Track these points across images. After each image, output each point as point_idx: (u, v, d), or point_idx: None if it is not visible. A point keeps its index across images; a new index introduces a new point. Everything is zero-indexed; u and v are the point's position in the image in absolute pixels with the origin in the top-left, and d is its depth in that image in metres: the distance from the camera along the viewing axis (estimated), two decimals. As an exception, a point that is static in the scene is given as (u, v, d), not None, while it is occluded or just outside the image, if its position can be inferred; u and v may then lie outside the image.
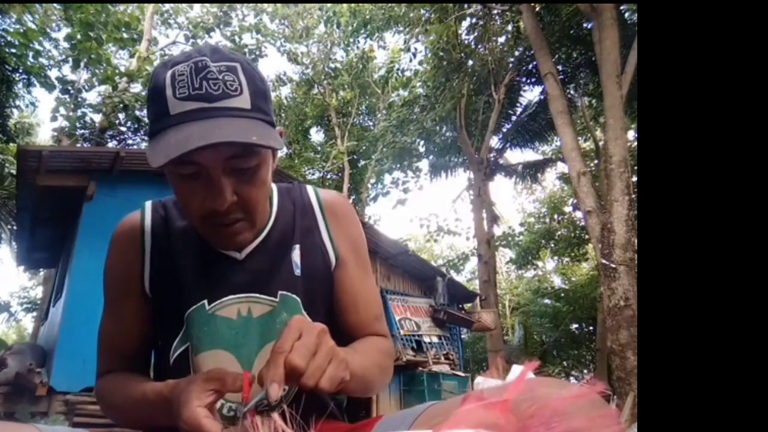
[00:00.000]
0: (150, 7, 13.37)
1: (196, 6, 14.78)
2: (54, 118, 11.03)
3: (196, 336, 0.76)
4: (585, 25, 9.20)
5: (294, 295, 0.80)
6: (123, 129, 11.89)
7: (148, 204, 0.85)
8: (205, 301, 0.77)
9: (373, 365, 0.78)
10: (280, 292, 0.79)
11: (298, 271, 0.81)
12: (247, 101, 0.67)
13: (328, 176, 16.17)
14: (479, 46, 11.84)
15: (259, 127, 0.67)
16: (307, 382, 0.55)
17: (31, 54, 9.15)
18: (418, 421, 0.60)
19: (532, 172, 14.17)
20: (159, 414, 0.67)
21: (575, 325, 16.53)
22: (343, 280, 0.86)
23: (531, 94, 13.15)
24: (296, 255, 0.82)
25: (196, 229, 0.76)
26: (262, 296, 0.79)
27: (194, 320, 0.77)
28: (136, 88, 11.92)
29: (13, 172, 8.12)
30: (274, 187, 0.87)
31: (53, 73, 10.59)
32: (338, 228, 0.87)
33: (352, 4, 12.96)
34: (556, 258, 18.49)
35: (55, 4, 11.43)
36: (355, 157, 15.81)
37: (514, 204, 43.32)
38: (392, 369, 0.87)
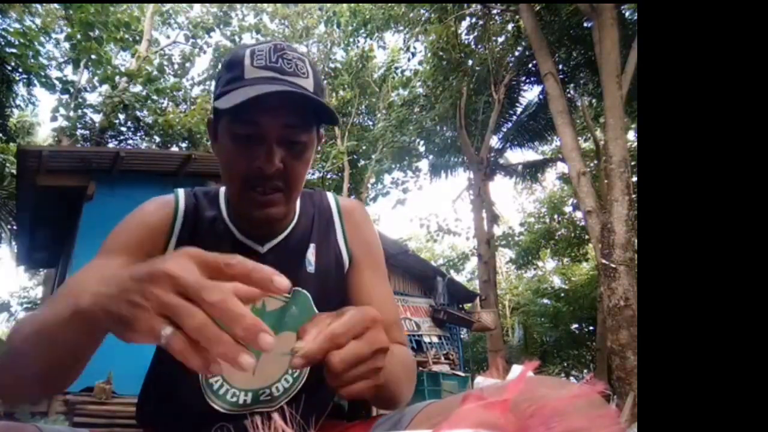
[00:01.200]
0: (150, 7, 13.37)
1: (196, 6, 14.80)
2: (54, 118, 11.04)
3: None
4: (585, 24, 9.20)
5: (305, 291, 0.82)
6: (123, 129, 11.89)
7: (181, 191, 0.87)
8: None
9: (401, 373, 0.75)
10: (293, 288, 0.81)
11: (311, 268, 0.84)
12: (311, 85, 0.74)
13: (328, 176, 16.18)
14: (479, 46, 11.85)
15: (323, 104, 0.73)
16: (336, 364, 0.50)
17: (31, 54, 9.14)
18: (415, 420, 0.60)
19: (532, 172, 14.17)
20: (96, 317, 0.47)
21: (575, 325, 16.54)
22: (356, 281, 0.87)
23: (531, 94, 13.19)
24: (311, 253, 0.85)
25: (233, 195, 0.79)
26: None
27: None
28: (136, 88, 11.93)
29: (13, 172, 8.12)
30: None
31: (54, 73, 10.60)
32: (354, 231, 0.90)
33: (352, 4, 12.96)
34: (556, 258, 18.51)
35: (55, 4, 11.44)
36: (354, 157, 15.81)
37: (514, 204, 43.37)
38: (414, 379, 0.82)
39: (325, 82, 13.88)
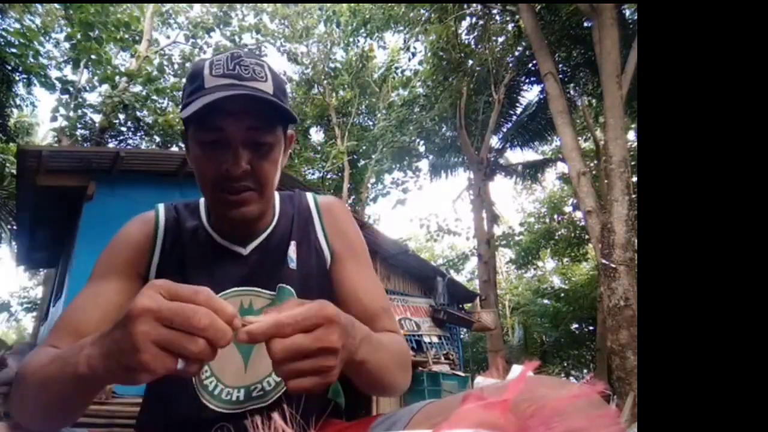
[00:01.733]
0: (150, 7, 13.37)
1: (196, 6, 14.79)
2: (54, 118, 11.04)
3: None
4: (585, 24, 9.20)
5: (289, 287, 0.84)
6: (123, 129, 11.89)
7: (161, 205, 0.92)
8: None
9: (391, 362, 0.74)
10: (278, 285, 0.84)
11: (293, 265, 0.86)
12: (270, 88, 0.77)
13: (328, 176, 16.18)
14: (479, 46, 11.84)
15: (282, 106, 0.76)
16: (281, 372, 0.51)
17: (31, 54, 9.14)
18: (414, 420, 0.60)
19: (532, 172, 14.17)
20: (97, 363, 0.52)
21: (575, 325, 16.53)
22: (340, 275, 0.89)
23: (531, 94, 13.14)
24: (292, 250, 0.88)
25: (207, 199, 0.83)
26: (263, 290, 0.84)
27: None
28: (136, 88, 11.93)
29: (13, 172, 8.12)
30: (276, 194, 0.93)
31: (54, 73, 10.60)
32: (333, 227, 0.92)
33: (352, 4, 12.96)
34: (556, 258, 18.50)
35: (55, 4, 11.43)
36: (354, 157, 15.81)
37: (514, 204, 43.33)
38: (410, 367, 0.82)
39: (325, 81, 13.79)
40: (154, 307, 0.46)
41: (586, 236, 11.77)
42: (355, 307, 0.85)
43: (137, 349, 0.46)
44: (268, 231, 0.88)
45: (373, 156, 13.74)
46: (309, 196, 0.96)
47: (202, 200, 0.91)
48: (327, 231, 0.92)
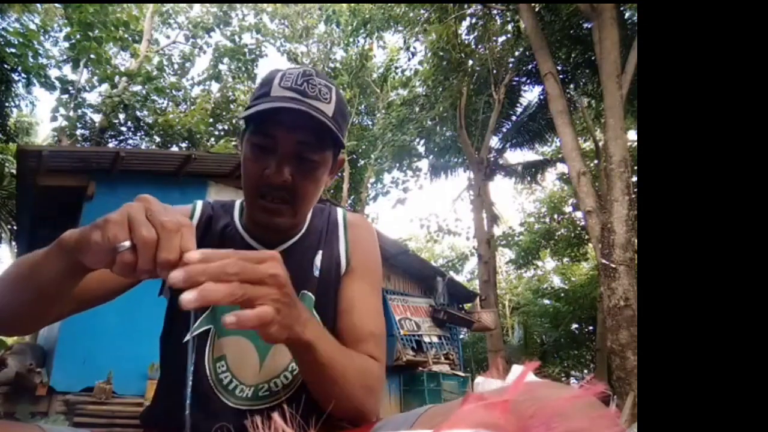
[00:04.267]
0: (150, 7, 13.37)
1: (196, 6, 14.79)
2: (54, 118, 11.03)
3: (222, 320, 0.81)
4: (585, 25, 9.20)
5: (310, 294, 0.87)
6: (123, 129, 11.89)
7: (200, 202, 0.96)
8: None
9: (345, 364, 0.72)
10: (301, 291, 0.86)
11: (317, 272, 0.89)
12: (330, 110, 0.80)
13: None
14: (479, 46, 11.84)
15: (333, 129, 0.78)
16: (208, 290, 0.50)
17: (30, 54, 9.14)
18: (418, 423, 0.60)
19: (532, 172, 14.17)
20: (63, 257, 0.62)
21: (575, 325, 16.54)
22: (346, 286, 0.91)
23: (531, 94, 13.14)
24: (318, 259, 0.91)
25: (246, 199, 0.86)
26: None
27: (223, 306, 0.82)
28: (136, 87, 11.92)
29: (13, 172, 8.12)
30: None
31: (53, 73, 10.59)
32: (355, 242, 0.95)
33: (352, 4, 12.95)
34: (556, 258, 18.50)
35: (55, 4, 11.43)
36: (354, 156, 15.81)
37: (514, 204, 43.32)
38: (374, 391, 0.79)
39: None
40: (150, 200, 0.56)
41: (586, 236, 11.78)
42: (346, 321, 0.86)
43: (112, 215, 0.54)
44: (296, 239, 0.91)
45: (373, 155, 13.74)
46: (339, 211, 1.00)
47: (238, 202, 0.95)
48: (349, 245, 0.94)
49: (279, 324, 0.56)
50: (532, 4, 8.43)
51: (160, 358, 0.91)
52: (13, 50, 8.97)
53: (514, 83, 12.15)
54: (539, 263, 18.95)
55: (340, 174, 15.70)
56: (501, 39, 11.87)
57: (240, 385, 0.81)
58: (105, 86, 11.47)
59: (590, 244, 9.94)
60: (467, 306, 11.06)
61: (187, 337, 0.82)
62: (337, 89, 0.84)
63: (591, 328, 14.98)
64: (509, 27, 11.39)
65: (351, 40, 13.97)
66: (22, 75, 9.49)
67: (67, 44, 10.50)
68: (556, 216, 16.20)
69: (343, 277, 0.92)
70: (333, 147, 0.83)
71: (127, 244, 0.52)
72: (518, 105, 13.01)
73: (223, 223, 0.91)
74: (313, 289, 0.87)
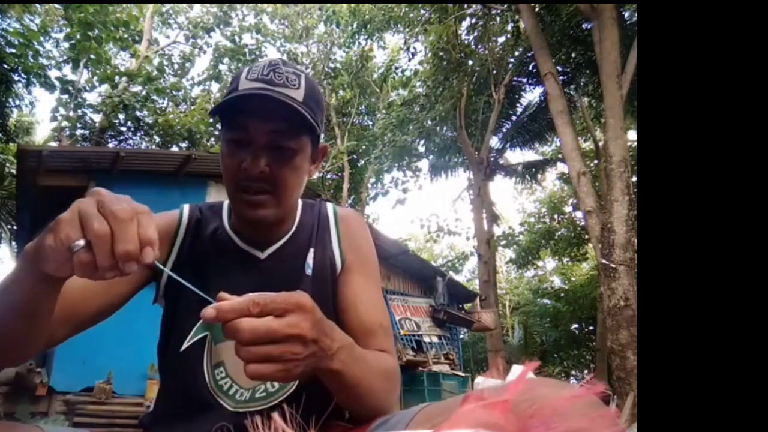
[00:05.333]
0: (150, 7, 13.36)
1: (196, 6, 14.78)
2: (54, 118, 11.03)
3: (217, 327, 0.82)
4: (585, 25, 9.19)
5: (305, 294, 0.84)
6: (123, 129, 11.88)
7: (186, 205, 0.94)
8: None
9: (371, 378, 0.71)
10: (295, 291, 0.83)
11: (309, 271, 0.88)
12: (301, 96, 0.79)
13: (328, 176, 16.17)
14: (479, 46, 11.83)
15: (305, 114, 0.77)
16: (241, 354, 0.51)
17: (30, 54, 9.14)
18: (414, 422, 0.60)
19: (532, 172, 14.16)
20: (30, 267, 0.56)
21: (575, 325, 16.53)
22: (344, 284, 0.89)
23: (531, 95, 13.13)
24: (310, 257, 0.89)
25: (228, 196, 0.84)
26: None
27: None
28: (136, 87, 11.92)
29: (13, 172, 8.12)
30: (299, 201, 0.95)
31: (53, 73, 10.59)
32: (348, 238, 0.94)
33: (352, 4, 12.95)
34: (556, 258, 18.49)
35: (55, 4, 11.43)
36: (354, 156, 15.81)
37: (514, 204, 43.28)
38: (396, 388, 0.79)
39: (325, 81, 13.79)
40: (102, 192, 0.52)
41: (586, 236, 11.77)
42: (352, 318, 0.85)
43: (63, 214, 0.50)
44: (286, 238, 0.90)
45: (373, 155, 13.73)
46: (329, 206, 0.98)
47: (226, 203, 0.94)
48: (342, 241, 0.93)
49: (302, 370, 0.55)
50: (532, 4, 8.42)
51: (158, 368, 0.90)
52: (13, 50, 8.97)
53: (514, 83, 12.15)
54: (539, 263, 18.94)
55: (338, 173, 15.72)
56: (501, 39, 11.86)
57: (239, 389, 0.81)
58: (105, 86, 11.47)
59: (590, 244, 9.93)
60: (467, 306, 11.07)
61: (184, 346, 0.82)
62: (308, 76, 0.83)
63: (591, 328, 14.98)
64: (509, 27, 11.39)
65: (351, 40, 13.97)
66: (22, 75, 9.49)
67: (67, 44, 10.50)
68: (556, 216, 16.19)
69: (341, 275, 0.90)
70: (309, 134, 0.82)
71: (81, 242, 0.48)
72: (518, 105, 13.01)
73: (212, 227, 0.90)
74: (306, 288, 0.85)
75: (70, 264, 0.49)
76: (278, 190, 0.80)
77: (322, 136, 0.89)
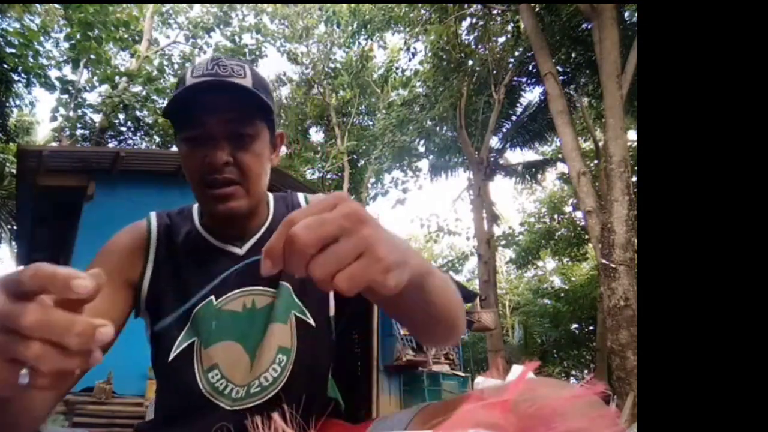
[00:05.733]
0: (150, 7, 13.37)
1: (196, 6, 14.79)
2: (54, 118, 11.04)
3: (205, 330, 0.81)
4: (585, 25, 9.20)
5: (287, 284, 0.85)
6: (123, 129, 11.89)
7: (153, 213, 0.91)
8: (212, 297, 0.82)
9: (449, 291, 0.61)
10: (279, 282, 0.84)
11: None
12: (249, 83, 0.79)
13: (328, 176, 16.17)
14: (479, 46, 11.84)
15: (257, 95, 0.77)
16: (314, 270, 0.40)
17: (30, 54, 9.14)
18: (413, 422, 0.60)
19: (532, 172, 14.18)
20: None
21: (575, 325, 16.54)
22: None
23: (531, 95, 13.17)
24: None
25: (196, 197, 0.83)
26: (264, 288, 0.85)
27: (203, 316, 0.82)
28: (136, 88, 11.92)
29: (13, 171, 8.12)
30: (270, 195, 0.94)
31: (53, 73, 10.60)
32: None
33: (352, 5, 12.96)
34: (556, 258, 18.50)
35: (55, 4, 11.43)
36: (354, 156, 15.81)
37: (514, 204, 43.31)
38: (464, 316, 0.68)
39: (325, 82, 13.72)
40: None
41: (586, 236, 11.78)
42: None
43: None
44: (263, 230, 0.89)
45: (373, 155, 13.74)
46: (300, 195, 0.98)
47: (195, 205, 0.92)
48: None
49: (395, 266, 0.42)
50: (532, 4, 8.43)
51: (155, 377, 0.90)
52: (13, 50, 8.98)
53: (514, 83, 12.17)
54: (539, 263, 18.97)
55: (338, 173, 15.72)
56: (501, 39, 11.88)
57: (235, 387, 0.81)
58: (105, 86, 11.47)
59: (590, 244, 9.94)
60: (467, 306, 11.06)
61: (171, 356, 0.81)
62: (252, 66, 0.83)
63: (591, 328, 14.99)
64: (509, 27, 11.40)
65: (351, 40, 13.98)
66: (22, 75, 9.50)
67: (67, 44, 10.51)
68: (556, 216, 16.20)
69: None
70: (264, 119, 0.82)
71: (24, 374, 0.37)
72: (518, 105, 13.02)
73: (184, 230, 0.88)
74: (289, 279, 0.85)
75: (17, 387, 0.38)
76: (245, 179, 0.79)
77: (280, 122, 0.86)
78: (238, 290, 0.83)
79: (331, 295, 0.92)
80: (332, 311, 0.91)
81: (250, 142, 0.79)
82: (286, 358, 0.81)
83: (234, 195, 0.79)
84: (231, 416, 0.78)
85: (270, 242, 0.42)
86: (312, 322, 0.85)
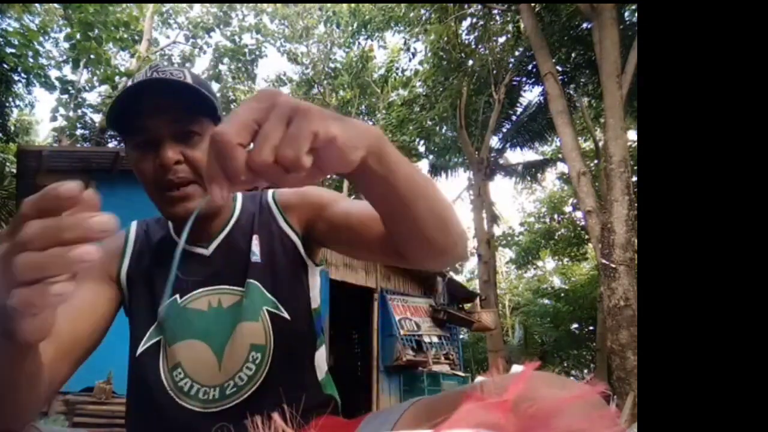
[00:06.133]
0: (150, 7, 13.36)
1: (196, 6, 14.79)
2: (54, 118, 11.03)
3: (170, 329, 0.82)
4: (585, 25, 9.20)
5: (255, 281, 0.84)
6: (123, 129, 11.88)
7: (134, 222, 0.95)
8: (177, 296, 0.84)
9: (431, 187, 0.59)
10: (246, 281, 0.84)
11: (255, 258, 0.86)
12: (188, 81, 0.79)
13: (328, 176, 16.15)
14: (479, 46, 11.84)
15: (197, 90, 0.78)
16: (252, 159, 0.39)
17: (30, 54, 9.14)
18: (404, 417, 0.60)
19: (532, 172, 14.18)
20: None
21: (575, 325, 16.54)
22: (327, 219, 0.84)
23: (531, 95, 13.16)
24: (255, 245, 0.88)
25: (155, 203, 0.83)
26: (230, 287, 0.85)
27: (168, 314, 0.83)
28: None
29: (13, 171, 8.12)
30: (239, 194, 0.94)
31: (53, 73, 10.60)
32: (291, 211, 0.90)
33: (352, 5, 12.96)
34: (556, 258, 18.50)
35: (55, 4, 11.43)
36: (355, 157, 15.78)
37: (514, 204, 43.35)
38: (456, 221, 0.64)
39: (326, 82, 13.70)
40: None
41: (586, 236, 11.78)
42: (361, 220, 0.76)
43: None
44: (228, 228, 0.89)
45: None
46: (269, 192, 0.96)
47: None
48: (288, 217, 0.89)
49: (342, 142, 0.41)
50: (532, 4, 8.43)
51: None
52: (13, 50, 8.98)
53: (514, 83, 12.16)
54: (539, 263, 18.98)
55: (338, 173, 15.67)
56: (501, 39, 11.87)
57: (202, 387, 0.79)
58: (105, 86, 11.47)
59: (590, 244, 9.94)
60: (467, 306, 11.06)
61: (139, 351, 0.83)
62: (191, 70, 0.83)
63: (591, 328, 14.99)
64: (509, 27, 11.40)
65: (351, 41, 13.99)
66: (22, 75, 9.50)
67: (67, 44, 10.50)
68: (556, 216, 16.21)
69: (318, 234, 0.86)
70: (208, 116, 0.81)
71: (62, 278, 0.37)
72: (518, 105, 13.02)
73: (158, 237, 0.90)
74: (257, 276, 0.84)
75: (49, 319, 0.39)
76: (199, 177, 0.79)
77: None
78: (202, 289, 0.84)
79: (313, 284, 0.91)
80: (315, 303, 0.90)
81: (199, 140, 0.79)
82: (261, 355, 0.80)
83: (192, 195, 0.79)
84: (203, 419, 0.77)
85: (205, 169, 0.41)
86: (287, 315, 0.83)
